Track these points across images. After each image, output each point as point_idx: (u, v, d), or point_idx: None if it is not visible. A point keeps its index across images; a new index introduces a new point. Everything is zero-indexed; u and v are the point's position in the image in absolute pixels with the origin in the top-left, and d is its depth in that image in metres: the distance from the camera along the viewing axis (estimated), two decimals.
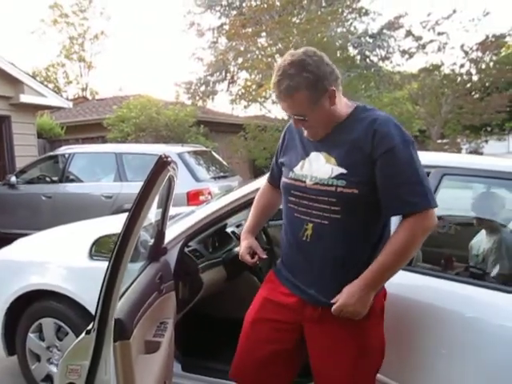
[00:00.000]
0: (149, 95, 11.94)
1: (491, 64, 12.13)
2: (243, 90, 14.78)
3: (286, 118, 10.69)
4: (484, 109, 11.50)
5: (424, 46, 12.21)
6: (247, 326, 1.72)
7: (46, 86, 10.86)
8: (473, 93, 12.60)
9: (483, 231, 2.53)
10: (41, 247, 2.97)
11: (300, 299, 1.59)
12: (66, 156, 6.61)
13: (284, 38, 12.22)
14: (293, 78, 1.40)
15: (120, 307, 1.39)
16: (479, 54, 11.77)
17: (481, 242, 2.49)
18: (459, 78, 12.02)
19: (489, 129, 15.69)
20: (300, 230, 1.55)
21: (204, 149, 7.26)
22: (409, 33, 12.48)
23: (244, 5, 15.83)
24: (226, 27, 15.32)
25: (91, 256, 2.39)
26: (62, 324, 2.50)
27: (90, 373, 1.23)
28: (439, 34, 11.89)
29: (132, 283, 1.66)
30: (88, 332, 1.23)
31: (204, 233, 2.51)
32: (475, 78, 12.32)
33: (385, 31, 13.99)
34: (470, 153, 13.55)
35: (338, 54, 13.53)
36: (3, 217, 6.60)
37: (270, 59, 12.77)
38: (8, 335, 2.68)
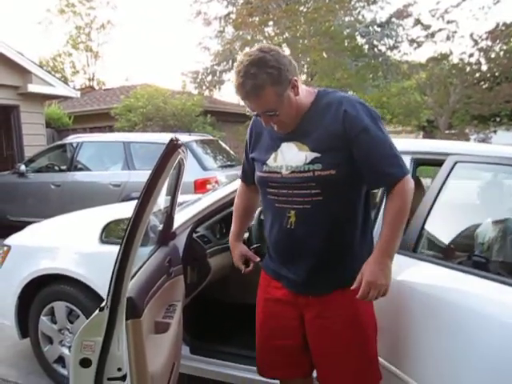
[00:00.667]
0: (156, 85, 11.96)
1: (501, 53, 12.00)
2: None
3: None
4: (493, 98, 11.41)
5: (433, 35, 12.10)
6: (259, 329, 1.77)
7: (54, 75, 10.90)
8: (482, 82, 12.49)
9: (489, 219, 2.54)
10: (52, 233, 3.03)
11: (292, 291, 1.63)
12: (75, 145, 6.66)
13: (291, 27, 12.15)
14: (256, 77, 1.41)
15: (131, 287, 1.44)
16: (489, 42, 11.63)
17: (486, 230, 2.50)
18: (468, 68, 11.90)
19: (498, 119, 15.56)
20: (283, 219, 1.57)
21: (211, 138, 7.30)
22: (417, 21, 12.35)
23: None
24: (233, 16, 15.21)
25: (102, 240, 2.43)
26: (73, 307, 2.56)
27: (103, 348, 1.28)
28: (448, 22, 11.78)
29: (142, 266, 1.71)
30: (101, 309, 1.28)
31: (211, 219, 2.55)
32: (484, 67, 12.20)
33: (393, 20, 13.84)
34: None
35: (346, 43, 13.45)
36: (13, 205, 6.69)
37: None
38: (21, 319, 2.75)
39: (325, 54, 12.92)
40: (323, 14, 12.06)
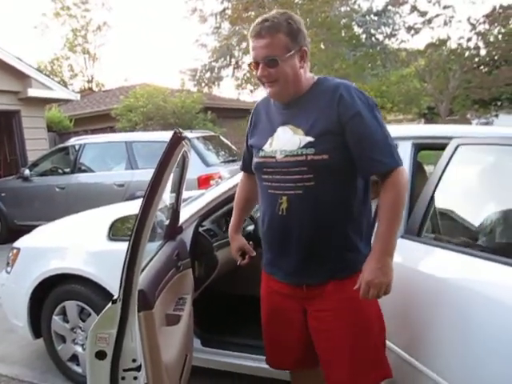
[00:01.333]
0: (155, 84, 11.98)
1: (499, 36, 11.93)
2: (248, 75, 14.73)
3: None
4: (492, 82, 11.36)
5: (430, 21, 12.05)
6: (265, 323, 1.75)
7: (53, 79, 10.93)
8: (481, 67, 12.43)
9: (492, 202, 2.54)
10: (60, 233, 3.06)
11: (288, 283, 1.62)
12: (77, 147, 6.70)
13: None
14: (277, 20, 1.46)
15: (142, 280, 1.47)
16: (486, 26, 11.57)
17: (490, 213, 2.50)
18: (467, 53, 11.86)
19: (498, 103, 15.50)
20: (275, 206, 1.55)
21: (212, 134, 7.31)
22: (414, 8, 12.30)
23: None
24: (229, 12, 15.19)
25: (110, 238, 2.46)
26: (85, 305, 2.59)
27: (117, 340, 1.31)
28: (445, 7, 11.74)
29: (151, 260, 1.73)
30: (114, 302, 1.31)
31: (216, 212, 2.58)
32: (483, 51, 12.15)
33: (390, 8, 13.79)
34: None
35: (343, 34, 13.40)
36: (19, 209, 6.75)
37: None
38: (33, 319, 2.79)
39: (322, 46, 12.89)
40: (319, 4, 12.04)
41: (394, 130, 1.73)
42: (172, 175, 1.79)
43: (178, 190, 2.05)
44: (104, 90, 19.32)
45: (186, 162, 1.93)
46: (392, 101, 16.39)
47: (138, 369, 1.35)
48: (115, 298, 1.31)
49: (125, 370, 1.34)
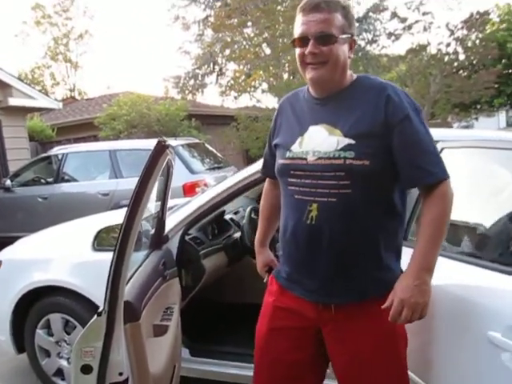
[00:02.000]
0: (138, 92, 11.92)
1: (477, 42, 12.19)
2: (232, 82, 14.76)
3: (276, 106, 10.70)
4: (472, 86, 11.57)
5: (410, 27, 12.26)
6: (262, 340, 1.54)
7: (34, 88, 10.81)
8: (461, 71, 12.67)
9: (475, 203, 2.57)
10: (43, 245, 3.00)
11: (309, 301, 1.43)
12: (60, 156, 6.61)
13: (270, 27, 12.18)
14: (335, 0, 1.34)
15: (128, 291, 1.45)
16: (464, 31, 11.81)
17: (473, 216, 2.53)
18: (446, 58, 12.08)
19: (478, 106, 15.79)
20: (303, 214, 1.36)
21: (197, 141, 7.29)
22: (394, 14, 12.50)
23: None
24: (212, 19, 15.23)
25: (94, 248, 2.42)
26: (70, 318, 2.54)
27: (103, 354, 1.29)
28: (424, 13, 11.95)
29: (137, 270, 1.71)
30: (99, 314, 1.28)
31: (202, 220, 2.56)
32: (462, 56, 12.39)
33: (371, 14, 14.02)
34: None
35: None
36: (1, 221, 6.60)
37: (257, 49, 12.77)
38: (16, 333, 2.72)
39: None
40: None
41: None
42: (157, 184, 1.78)
43: (163, 198, 2.03)
44: (87, 98, 19.18)
45: (170, 170, 1.91)
46: None
47: (125, 382, 1.33)
48: (100, 310, 1.28)
49: None
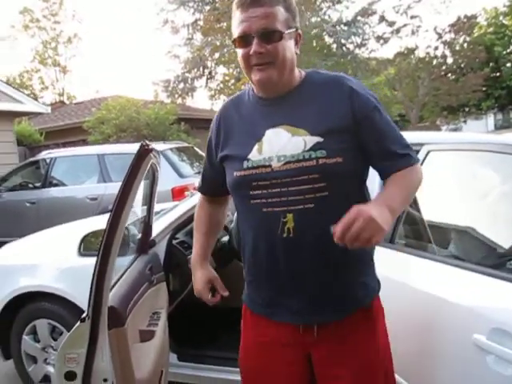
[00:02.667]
0: (127, 96, 11.89)
1: (465, 45, 12.35)
2: (222, 85, 14.80)
3: None
4: (460, 89, 11.71)
5: (398, 31, 12.38)
6: (249, 378, 1.40)
7: (23, 92, 10.74)
8: (449, 74, 12.82)
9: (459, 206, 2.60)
10: (29, 250, 2.98)
11: (290, 324, 1.28)
12: (48, 161, 6.57)
13: None
14: None
15: (112, 296, 1.44)
16: (452, 35, 11.96)
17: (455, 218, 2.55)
18: (435, 61, 12.22)
19: (466, 109, 15.98)
20: (277, 227, 1.21)
21: (186, 145, 7.29)
22: (382, 18, 12.62)
23: None
24: (201, 23, 15.27)
25: (80, 253, 2.41)
26: (56, 324, 2.52)
27: (87, 360, 1.28)
28: (412, 17, 12.08)
29: (123, 275, 1.70)
30: (82, 320, 1.27)
31: (190, 224, 2.55)
32: (450, 60, 12.54)
33: (359, 18, 14.12)
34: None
35: (315, 43, 13.61)
36: None
37: None
38: (2, 339, 2.69)
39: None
40: None
41: None
42: (142, 188, 1.77)
43: (149, 202, 2.03)
44: (76, 102, 19.07)
45: (155, 174, 1.90)
46: None
47: None
48: (84, 316, 1.27)
49: None
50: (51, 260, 2.66)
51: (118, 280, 1.62)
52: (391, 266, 1.82)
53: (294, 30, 1.23)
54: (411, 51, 12.12)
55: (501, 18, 18.52)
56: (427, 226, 2.09)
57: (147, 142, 1.34)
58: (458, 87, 11.66)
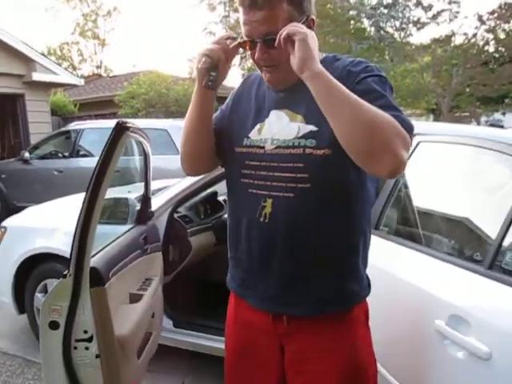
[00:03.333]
0: (158, 71, 12.05)
1: (509, 33, 11.83)
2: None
3: None
4: (495, 80, 11.27)
5: (436, 16, 11.96)
6: (231, 367, 1.39)
7: (58, 64, 11.07)
8: (487, 63, 12.34)
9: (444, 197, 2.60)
10: (48, 214, 3.20)
11: (263, 311, 1.25)
12: (77, 132, 6.83)
13: None
14: None
15: (97, 259, 1.58)
16: (492, 23, 11.48)
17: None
18: (476, 48, 11.75)
19: (506, 101, 15.38)
20: (256, 210, 1.19)
21: None
22: (418, 2, 12.21)
23: None
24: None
25: None
26: None
27: (69, 312, 1.43)
28: (450, 2, 11.64)
29: (114, 240, 1.84)
30: (64, 276, 1.42)
31: (192, 198, 2.68)
32: (491, 48, 12.06)
33: (400, 1, 13.70)
34: (491, 126, 13.35)
35: (351, 26, 13.35)
36: (19, 191, 6.90)
37: None
38: (18, 296, 2.93)
39: (329, 39, 12.85)
40: None
41: None
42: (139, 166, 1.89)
43: (145, 177, 2.16)
44: (111, 75, 19.43)
45: (146, 150, 2.03)
46: (401, 96, 16.31)
47: (90, 340, 1.47)
48: (65, 273, 1.42)
49: (77, 341, 1.46)
50: (66, 225, 2.84)
51: (109, 245, 1.77)
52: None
53: (302, 20, 1.14)
54: (448, 38, 11.73)
55: None
56: (402, 213, 2.14)
57: (124, 120, 1.44)
58: (494, 77, 11.25)
